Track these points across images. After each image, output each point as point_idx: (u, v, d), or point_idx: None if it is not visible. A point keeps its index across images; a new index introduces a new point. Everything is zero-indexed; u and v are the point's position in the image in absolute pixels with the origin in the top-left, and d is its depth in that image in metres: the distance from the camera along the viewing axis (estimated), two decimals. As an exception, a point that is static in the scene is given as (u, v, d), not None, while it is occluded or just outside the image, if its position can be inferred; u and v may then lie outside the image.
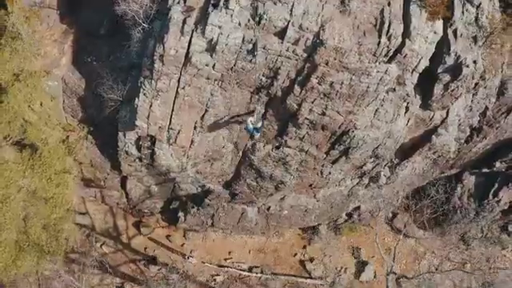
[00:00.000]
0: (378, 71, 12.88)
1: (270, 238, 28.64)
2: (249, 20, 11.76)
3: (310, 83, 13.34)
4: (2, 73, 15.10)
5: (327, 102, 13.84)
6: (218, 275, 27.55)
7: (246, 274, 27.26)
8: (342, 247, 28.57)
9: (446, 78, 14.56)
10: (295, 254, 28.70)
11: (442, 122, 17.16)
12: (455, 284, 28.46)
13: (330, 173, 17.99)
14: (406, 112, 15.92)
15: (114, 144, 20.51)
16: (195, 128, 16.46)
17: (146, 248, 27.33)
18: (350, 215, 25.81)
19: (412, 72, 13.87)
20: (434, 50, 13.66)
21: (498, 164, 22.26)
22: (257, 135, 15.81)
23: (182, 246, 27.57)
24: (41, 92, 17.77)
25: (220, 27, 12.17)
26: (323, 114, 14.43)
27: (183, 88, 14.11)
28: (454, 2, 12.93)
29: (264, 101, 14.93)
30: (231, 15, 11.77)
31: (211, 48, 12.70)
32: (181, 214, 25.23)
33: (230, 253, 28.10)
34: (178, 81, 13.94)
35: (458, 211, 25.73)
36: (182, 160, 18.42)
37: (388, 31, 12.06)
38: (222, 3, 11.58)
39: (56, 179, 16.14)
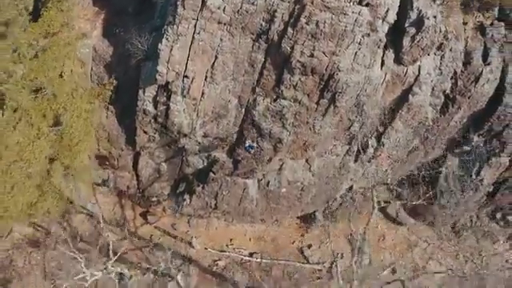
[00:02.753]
0: (352, 12, 17.23)
1: (270, 226, 31.50)
2: (252, -33, 16.38)
3: (300, 23, 17.67)
4: (48, 27, 19.50)
5: (314, 42, 18.06)
6: (219, 260, 30.09)
7: (247, 258, 29.74)
8: (338, 234, 31.19)
9: (412, 30, 18.93)
10: (293, 242, 31.40)
11: (416, 79, 21.19)
12: (449, 274, 30.55)
13: (321, 127, 21.72)
14: (382, 65, 20.06)
15: (132, 113, 24.48)
16: (206, 78, 20.56)
17: (151, 236, 30.29)
18: (343, 197, 28.78)
19: (382, 21, 18.23)
20: (399, 3, 18.11)
21: (475, 138, 25.81)
22: (252, 151, 22.71)
23: (186, 233, 30.41)
24: (74, 58, 22.13)
25: (230, -25, 16.80)
26: (312, 55, 18.61)
27: (199, 33, 18.45)
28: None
29: (263, 48, 19.19)
30: (238, -37, 16.39)
31: (223, -7, 17.25)
32: (186, 196, 28.41)
33: (231, 240, 30.93)
34: (195, 26, 18.30)
35: (445, 193, 28.64)
36: (193, 117, 22.28)
37: (357, -27, 16.63)
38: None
39: (84, 115, 19.94)
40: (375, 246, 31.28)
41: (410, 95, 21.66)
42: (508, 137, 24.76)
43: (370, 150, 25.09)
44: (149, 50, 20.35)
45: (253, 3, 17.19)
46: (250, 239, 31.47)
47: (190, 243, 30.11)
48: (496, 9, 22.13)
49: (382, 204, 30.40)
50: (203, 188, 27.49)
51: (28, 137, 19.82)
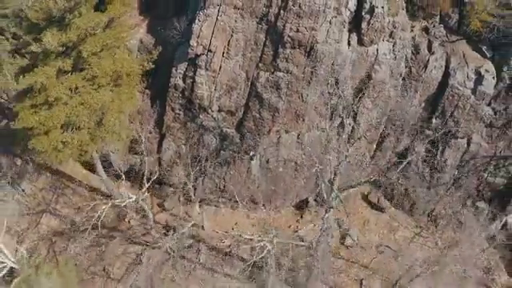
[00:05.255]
0: None
1: (270, 213, 40.80)
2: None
3: (288, 6, 29.88)
4: (114, 14, 31.68)
5: (299, 20, 30.08)
6: (225, 239, 38.78)
7: (249, 237, 38.64)
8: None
9: (367, 16, 31.12)
10: (290, 226, 40.21)
11: (376, 59, 32.91)
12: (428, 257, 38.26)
13: (307, 95, 32.86)
14: (349, 45, 32.07)
15: (164, 96, 35.93)
16: (223, 54, 32.45)
17: (166, 221, 39.68)
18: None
19: (345, 7, 30.65)
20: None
21: (434, 121, 36.46)
22: (255, 160, 31.95)
23: (197, 218, 39.59)
24: (124, 47, 34.30)
25: (242, -27, 29.62)
26: (297, 30, 30.49)
27: (221, 15, 30.65)
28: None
29: (265, 29, 31.33)
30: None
31: (238, -16, 29.94)
32: (200, 179, 38.51)
33: (235, 224, 40.02)
34: (218, 10, 30.71)
35: (417, 177, 38.29)
36: (212, 89, 33.65)
37: (325, -29, 29.32)
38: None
39: (136, 70, 31.21)
40: (361, 228, 39.96)
41: (372, 73, 33.03)
42: (459, 116, 35.26)
43: (348, 128, 35.68)
44: (183, 34, 32.58)
45: (257, -8, 29.76)
46: (252, 224, 40.41)
47: (200, 226, 38.37)
48: (437, 17, 34.58)
49: (365, 192, 39.72)
50: (214, 169, 37.49)
51: (90, 89, 30.96)
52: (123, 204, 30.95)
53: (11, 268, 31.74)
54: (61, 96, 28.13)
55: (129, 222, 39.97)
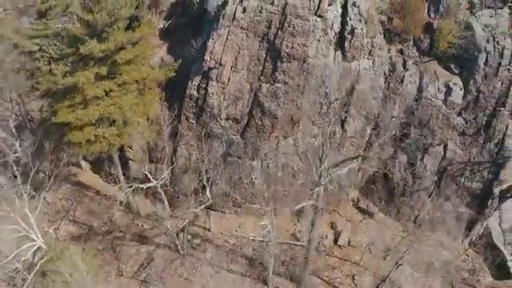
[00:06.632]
0: (312, 19, 39.11)
1: (270, 218, 48.06)
2: (259, -3, 39.07)
3: (285, 27, 39.58)
4: (141, 34, 41.40)
5: (293, 38, 39.44)
6: (230, 239, 45.59)
7: (252, 238, 45.99)
8: (323, 223, 46.39)
9: (349, 36, 40.57)
10: (288, 229, 46.98)
11: (358, 74, 42.09)
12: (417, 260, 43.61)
13: (301, 103, 41.63)
14: (334, 59, 41.43)
15: (180, 107, 44.90)
16: (231, 68, 41.74)
17: (176, 224, 47.18)
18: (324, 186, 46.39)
19: (330, 29, 40.24)
20: (340, 20, 40.53)
21: (412, 130, 44.85)
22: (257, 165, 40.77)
23: (204, 222, 46.57)
24: (148, 64, 43.92)
25: (248, 0, 39.53)
26: (292, 47, 39.86)
27: (230, 35, 40.12)
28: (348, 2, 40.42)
29: (266, 47, 40.76)
30: (251, -5, 39.10)
31: (244, 10, 39.73)
32: (208, 186, 46.61)
33: (239, 226, 47.19)
34: (228, 30, 40.38)
35: (401, 183, 45.64)
36: (221, 99, 42.56)
37: (313, -2, 38.99)
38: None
39: (158, 77, 40.36)
40: (352, 230, 47.08)
41: (356, 85, 42.03)
42: (433, 125, 43.23)
43: (337, 136, 44.08)
44: (199, 51, 42.10)
45: (260, 16, 39.51)
46: (253, 226, 47.34)
47: (207, 229, 45.07)
48: (411, 41, 43.84)
49: (356, 200, 47.07)
50: (221, 175, 45.53)
51: (120, 93, 40.08)
52: (145, 187, 38.52)
53: (37, 249, 37.52)
54: (97, 95, 36.84)
55: (142, 225, 46.80)
